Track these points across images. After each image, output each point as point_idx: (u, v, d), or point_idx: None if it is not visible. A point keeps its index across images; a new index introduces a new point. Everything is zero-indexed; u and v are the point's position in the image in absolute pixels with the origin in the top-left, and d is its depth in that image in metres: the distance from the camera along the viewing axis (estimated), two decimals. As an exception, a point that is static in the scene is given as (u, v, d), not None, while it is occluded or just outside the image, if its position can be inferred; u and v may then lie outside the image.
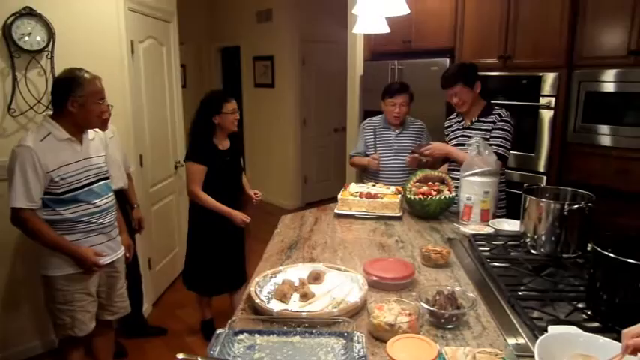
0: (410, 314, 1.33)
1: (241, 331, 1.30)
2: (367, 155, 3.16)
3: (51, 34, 2.76)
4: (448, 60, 3.65)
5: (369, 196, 2.53)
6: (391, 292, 1.60)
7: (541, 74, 3.12)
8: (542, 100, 3.13)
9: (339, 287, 1.59)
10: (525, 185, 1.93)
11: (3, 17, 2.62)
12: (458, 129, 2.78)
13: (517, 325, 1.37)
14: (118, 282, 2.44)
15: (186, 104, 4.35)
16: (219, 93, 3.03)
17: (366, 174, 3.21)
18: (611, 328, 1.25)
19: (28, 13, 2.67)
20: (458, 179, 2.46)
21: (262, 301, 1.48)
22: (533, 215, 1.82)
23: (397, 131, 3.12)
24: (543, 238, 1.78)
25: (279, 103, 6.33)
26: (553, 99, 3.08)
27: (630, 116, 2.80)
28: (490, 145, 2.54)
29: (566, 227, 1.73)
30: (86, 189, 2.17)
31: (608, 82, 2.86)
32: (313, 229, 2.34)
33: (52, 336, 2.89)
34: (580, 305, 1.43)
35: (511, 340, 1.30)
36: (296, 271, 1.71)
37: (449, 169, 2.79)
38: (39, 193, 2.05)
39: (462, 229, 2.25)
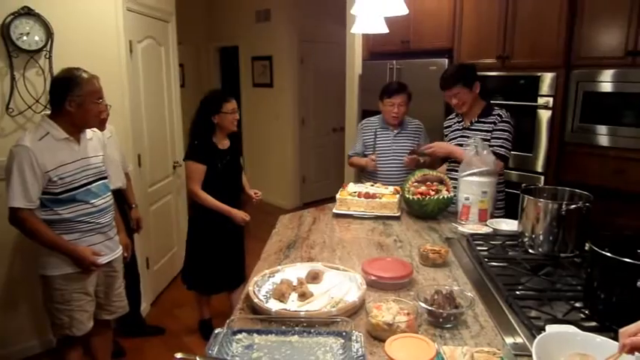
0: (408, 314, 1.33)
1: (240, 331, 1.30)
2: (365, 155, 3.16)
3: (49, 34, 2.76)
4: (446, 60, 3.65)
5: (367, 195, 2.54)
6: (389, 291, 1.60)
7: (539, 74, 3.13)
8: (540, 100, 3.14)
9: (338, 287, 1.59)
10: (523, 185, 1.93)
11: (1, 17, 2.61)
12: (457, 129, 2.78)
13: (515, 325, 1.37)
14: (116, 282, 2.44)
15: (185, 104, 4.35)
16: (219, 92, 3.04)
17: (365, 174, 3.21)
18: (608, 328, 1.26)
19: (27, 12, 2.67)
20: (456, 179, 2.46)
21: (261, 300, 1.48)
22: (531, 215, 1.82)
23: (395, 131, 3.12)
24: (541, 237, 1.79)
25: (277, 103, 6.33)
26: (551, 99, 3.09)
27: (628, 116, 2.81)
28: (491, 145, 2.55)
29: (564, 227, 1.73)
30: (84, 189, 2.17)
31: (606, 83, 2.86)
32: (312, 228, 2.34)
33: (50, 335, 2.88)
34: (578, 305, 1.43)
35: (509, 340, 1.30)
36: (294, 271, 1.71)
37: (448, 170, 2.79)
38: (37, 193, 2.05)
39: (460, 228, 2.25)
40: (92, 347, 2.50)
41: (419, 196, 2.43)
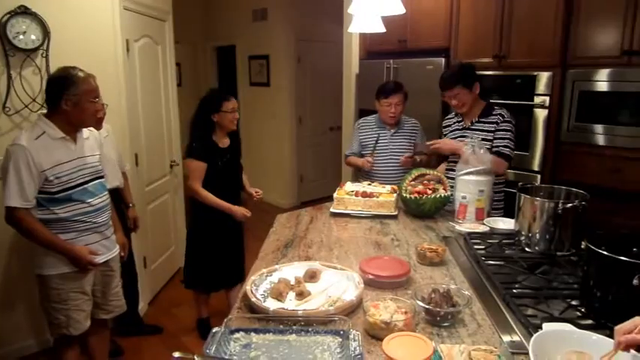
0: (405, 312, 1.33)
1: (237, 330, 1.30)
2: (362, 155, 3.16)
3: (46, 33, 2.75)
4: (443, 59, 3.66)
5: (364, 194, 2.54)
6: (387, 290, 1.60)
7: (535, 74, 3.13)
8: (537, 100, 3.15)
9: (335, 286, 1.59)
10: (520, 184, 1.94)
11: (-2, 16, 2.60)
12: (457, 129, 2.77)
13: (512, 323, 1.38)
14: (113, 281, 2.44)
15: (182, 103, 4.35)
16: (219, 91, 3.02)
17: (362, 173, 3.22)
18: (604, 325, 1.26)
19: (23, 11, 2.66)
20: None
21: (258, 299, 1.48)
22: (527, 214, 1.83)
23: (392, 130, 3.12)
24: (538, 236, 1.80)
25: (274, 102, 6.32)
26: (547, 98, 3.10)
27: (624, 116, 2.82)
28: (496, 146, 2.55)
29: (561, 225, 1.74)
30: (80, 188, 2.16)
31: (602, 82, 2.87)
32: (309, 227, 2.34)
33: (47, 335, 2.88)
34: (574, 303, 1.44)
35: (506, 338, 1.31)
36: (292, 270, 1.71)
37: (447, 169, 2.79)
38: (33, 192, 2.04)
39: (458, 227, 2.26)
40: (90, 346, 2.50)
41: (416, 195, 2.43)
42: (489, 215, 2.37)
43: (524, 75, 3.20)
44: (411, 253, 1.96)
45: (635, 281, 1.20)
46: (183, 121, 4.32)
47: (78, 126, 2.19)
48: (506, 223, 2.22)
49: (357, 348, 1.18)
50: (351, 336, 1.22)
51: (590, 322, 1.33)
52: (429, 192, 2.44)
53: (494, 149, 2.56)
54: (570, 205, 1.72)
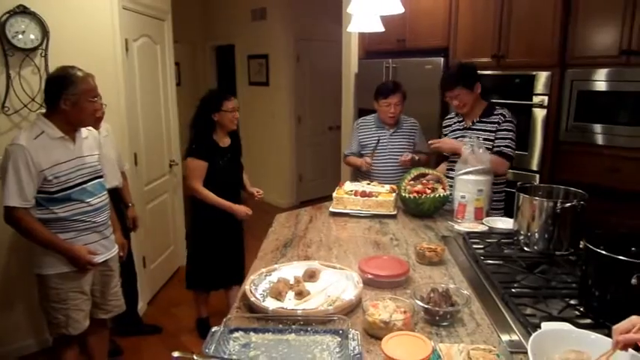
0: (404, 312, 1.33)
1: (237, 330, 1.30)
2: (361, 155, 3.17)
3: (45, 32, 2.75)
4: (442, 59, 3.66)
5: (363, 194, 2.54)
6: (386, 289, 1.60)
7: (534, 73, 3.14)
8: (536, 99, 3.15)
9: (334, 285, 1.60)
10: (519, 183, 1.94)
11: (-4, 15, 2.60)
12: (458, 129, 2.75)
13: (511, 322, 1.38)
14: (112, 280, 2.44)
15: (181, 103, 4.35)
16: (220, 91, 3.02)
17: (361, 172, 3.22)
18: (602, 325, 1.27)
19: (22, 11, 2.66)
20: None
21: (257, 299, 1.48)
22: (526, 213, 1.83)
23: (391, 130, 3.13)
24: (536, 235, 1.80)
25: (273, 102, 6.32)
26: (546, 98, 3.10)
27: (622, 115, 2.82)
28: (497, 145, 2.55)
29: (559, 225, 1.75)
30: (79, 187, 2.16)
31: (600, 82, 2.88)
32: (308, 227, 2.35)
33: (46, 334, 2.88)
34: (572, 302, 1.44)
35: (505, 337, 1.31)
36: (291, 270, 1.71)
37: (447, 169, 2.78)
38: (32, 192, 2.04)
39: (457, 227, 2.26)
40: (89, 346, 2.50)
41: (415, 194, 2.43)
42: (489, 215, 2.38)
43: (523, 75, 3.20)
44: (410, 252, 1.96)
45: (633, 280, 1.20)
46: (182, 121, 4.32)
47: (77, 125, 2.19)
48: (505, 223, 2.23)
49: (356, 347, 1.18)
50: (350, 335, 1.23)
51: (588, 321, 1.33)
52: (428, 191, 2.45)
53: (496, 149, 2.55)
54: (569, 204, 1.72)
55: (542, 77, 3.10)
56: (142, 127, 3.60)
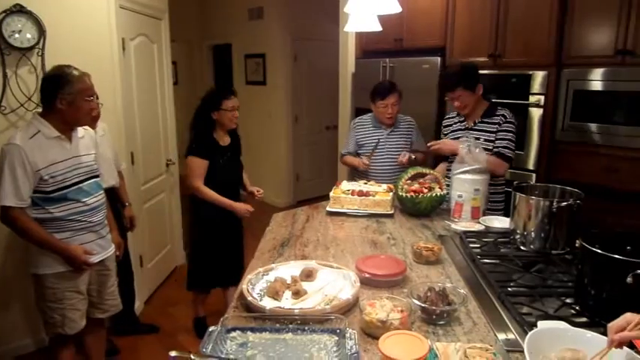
0: (402, 311, 1.34)
1: (234, 329, 1.30)
2: (358, 154, 3.17)
3: (41, 32, 2.74)
4: (439, 59, 3.66)
5: (360, 193, 2.54)
6: (383, 289, 1.61)
7: (530, 73, 3.15)
8: (532, 99, 3.16)
9: (332, 284, 1.60)
10: (515, 183, 1.95)
11: (-8, 14, 2.59)
12: (460, 129, 2.73)
13: (507, 321, 1.39)
14: (109, 280, 2.44)
15: (178, 102, 4.34)
16: (221, 89, 3.01)
17: (358, 172, 3.22)
18: (598, 323, 1.27)
19: (19, 10, 2.65)
20: None
21: (255, 298, 1.48)
22: (522, 212, 1.84)
23: (388, 130, 3.13)
24: (533, 234, 1.81)
25: (270, 101, 6.32)
26: (542, 97, 3.11)
27: (617, 115, 2.83)
28: (496, 146, 2.55)
29: (555, 224, 1.75)
30: (75, 187, 2.16)
31: (596, 81, 2.89)
32: (305, 226, 2.35)
33: (43, 334, 2.87)
34: (568, 301, 1.45)
35: (501, 336, 1.32)
36: (288, 269, 1.71)
37: (448, 169, 2.77)
38: (28, 192, 2.04)
39: (453, 226, 2.26)
40: (86, 346, 2.49)
41: (412, 193, 2.44)
42: (488, 214, 2.38)
43: (520, 74, 3.21)
44: (407, 251, 1.97)
45: (628, 279, 1.21)
46: (179, 120, 4.33)
47: (73, 125, 2.18)
48: (501, 222, 2.23)
49: (354, 346, 1.18)
50: (348, 335, 1.23)
51: (584, 319, 1.34)
52: (425, 191, 2.45)
53: (495, 150, 2.55)
54: (565, 203, 1.73)
55: (539, 77, 3.11)
56: (139, 126, 3.60)
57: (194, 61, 7.41)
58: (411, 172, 2.56)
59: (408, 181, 2.53)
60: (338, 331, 1.28)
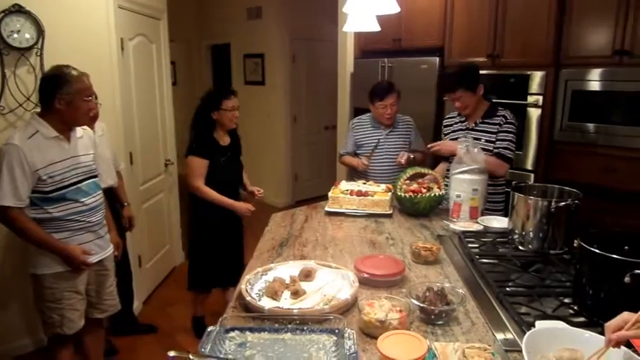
0: (400, 311, 1.34)
1: (232, 329, 1.30)
2: (357, 154, 3.17)
3: (40, 32, 2.74)
4: (438, 59, 3.67)
5: (359, 193, 2.54)
6: (382, 289, 1.61)
7: (529, 73, 3.15)
8: (530, 99, 3.16)
9: (330, 284, 1.60)
10: (513, 183, 1.95)
11: (-9, 14, 2.59)
12: (460, 129, 2.73)
13: (505, 321, 1.39)
14: (107, 280, 2.44)
15: (177, 102, 4.34)
16: (221, 89, 3.01)
17: (357, 172, 3.22)
18: (596, 323, 1.27)
19: (17, 10, 2.64)
20: None
21: (253, 298, 1.48)
22: (521, 212, 1.84)
23: (387, 130, 3.13)
24: (531, 234, 1.81)
25: (269, 101, 6.32)
26: (540, 97, 3.12)
27: (615, 115, 2.84)
28: (497, 147, 2.55)
29: (554, 224, 1.75)
30: (74, 187, 2.16)
31: (594, 82, 2.89)
32: (304, 226, 2.35)
33: (41, 334, 2.86)
34: (567, 300, 1.45)
35: (499, 336, 1.32)
36: (287, 269, 1.72)
37: (448, 169, 2.77)
38: (26, 192, 2.03)
39: (452, 226, 2.27)
40: (84, 346, 2.49)
41: (411, 193, 2.44)
42: (487, 214, 2.38)
43: (518, 74, 3.22)
44: (406, 251, 1.97)
45: (626, 279, 1.21)
46: (178, 120, 4.33)
47: (71, 125, 2.18)
48: (500, 222, 2.23)
49: (352, 346, 1.19)
50: (346, 334, 1.23)
51: (582, 319, 1.34)
52: (424, 191, 2.45)
53: (495, 151, 2.55)
54: (563, 203, 1.73)
55: (537, 77, 3.12)
56: (138, 126, 3.59)
57: (193, 61, 7.40)
58: (410, 172, 2.56)
59: (407, 181, 2.53)
60: (337, 331, 1.28)
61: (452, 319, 1.40)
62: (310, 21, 6.12)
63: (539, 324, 1.25)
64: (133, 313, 3.35)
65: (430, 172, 2.62)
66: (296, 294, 1.52)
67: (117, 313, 2.59)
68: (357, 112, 4.10)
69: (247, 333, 1.30)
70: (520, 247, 1.86)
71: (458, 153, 2.40)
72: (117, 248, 2.54)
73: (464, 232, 2.11)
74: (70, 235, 2.17)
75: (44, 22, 2.74)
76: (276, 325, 1.32)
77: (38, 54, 2.76)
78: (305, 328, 1.30)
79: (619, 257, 1.25)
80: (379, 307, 1.35)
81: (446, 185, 2.51)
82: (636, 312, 1.03)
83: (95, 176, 2.30)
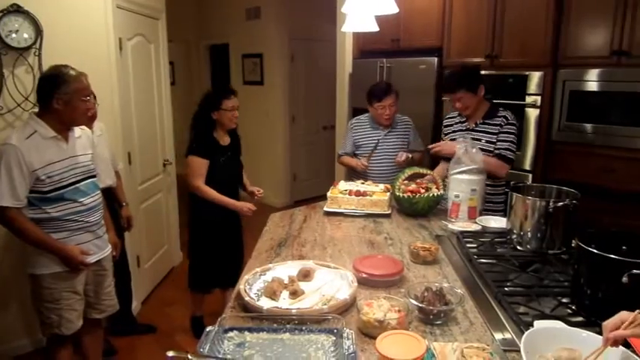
0: (399, 311, 1.34)
1: (231, 329, 1.30)
2: (356, 154, 3.17)
3: (38, 31, 2.73)
4: (436, 59, 3.67)
5: (358, 193, 2.55)
6: (380, 289, 1.61)
7: (527, 73, 3.15)
8: (528, 99, 3.17)
9: (329, 284, 1.60)
10: (512, 183, 1.96)
11: (-11, 14, 2.58)
12: (461, 130, 2.73)
13: (504, 321, 1.40)
14: (106, 280, 2.43)
15: (175, 102, 4.34)
16: (221, 89, 3.01)
17: (355, 172, 3.22)
18: (594, 323, 1.27)
19: (16, 10, 2.64)
20: None
21: (252, 298, 1.48)
22: (519, 212, 1.85)
23: (386, 130, 3.13)
24: (529, 234, 1.82)
25: (268, 101, 6.32)
26: (539, 98, 3.12)
27: (613, 115, 2.85)
28: (498, 148, 2.55)
29: (552, 224, 1.76)
30: (72, 187, 2.16)
31: (592, 82, 2.90)
32: (303, 226, 2.35)
33: (40, 334, 2.86)
34: (565, 300, 1.45)
35: (498, 335, 1.32)
36: (285, 269, 1.72)
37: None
38: (24, 192, 2.03)
39: (450, 226, 2.27)
40: (83, 346, 2.49)
41: (409, 193, 2.44)
42: (487, 214, 2.38)
43: (516, 75, 3.22)
44: (405, 251, 1.97)
45: (624, 279, 1.21)
46: (176, 120, 4.33)
47: (69, 125, 2.18)
48: (498, 222, 2.24)
49: (351, 346, 1.19)
50: (345, 334, 1.23)
51: (580, 319, 1.35)
52: (422, 191, 2.46)
53: (496, 151, 2.55)
54: (561, 203, 1.73)
55: (535, 77, 3.12)
56: (136, 126, 3.59)
57: (191, 61, 7.40)
58: (408, 172, 2.56)
59: (405, 182, 2.53)
60: (335, 331, 1.28)
61: (450, 319, 1.41)
62: (309, 21, 6.12)
63: (538, 324, 1.26)
64: (131, 313, 3.35)
65: (429, 172, 2.62)
66: (295, 294, 1.52)
67: (115, 314, 2.59)
68: (355, 112, 4.10)
69: (246, 333, 1.30)
70: (518, 247, 1.86)
71: (456, 153, 2.40)
72: (115, 248, 2.54)
73: (462, 232, 2.11)
74: (69, 235, 2.16)
75: (42, 21, 2.74)
76: (275, 325, 1.32)
77: (36, 54, 2.76)
78: (304, 328, 1.30)
79: (617, 257, 1.26)
80: (378, 307, 1.35)
81: (444, 185, 2.51)
82: (634, 311, 1.03)
83: (93, 176, 2.30)
